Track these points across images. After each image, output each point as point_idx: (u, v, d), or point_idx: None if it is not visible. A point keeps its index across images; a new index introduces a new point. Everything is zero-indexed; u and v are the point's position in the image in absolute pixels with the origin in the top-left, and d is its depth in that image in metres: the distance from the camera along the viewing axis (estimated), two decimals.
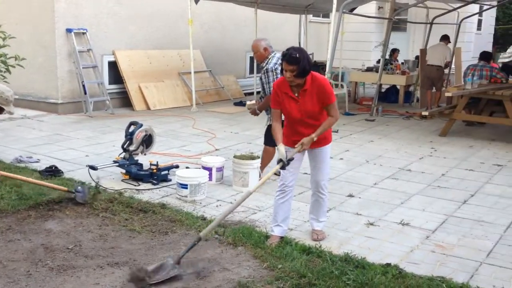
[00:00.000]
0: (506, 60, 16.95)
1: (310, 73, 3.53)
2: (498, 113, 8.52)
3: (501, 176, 5.73)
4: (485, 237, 3.98)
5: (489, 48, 18.53)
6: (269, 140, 5.20)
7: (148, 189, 4.96)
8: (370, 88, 12.99)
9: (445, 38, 10.63)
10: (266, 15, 12.34)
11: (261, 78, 5.04)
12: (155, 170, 5.14)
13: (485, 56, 9.07)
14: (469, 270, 3.41)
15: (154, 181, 5.11)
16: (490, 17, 19.55)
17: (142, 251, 3.57)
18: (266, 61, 4.97)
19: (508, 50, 20.71)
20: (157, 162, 5.27)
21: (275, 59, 4.94)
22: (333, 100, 3.59)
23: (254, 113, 5.18)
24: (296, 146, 3.57)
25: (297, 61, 3.40)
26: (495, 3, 14.19)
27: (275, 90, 3.68)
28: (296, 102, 3.59)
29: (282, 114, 3.74)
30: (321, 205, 3.91)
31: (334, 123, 3.69)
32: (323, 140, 3.71)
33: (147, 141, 5.40)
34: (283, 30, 13.94)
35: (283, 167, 3.58)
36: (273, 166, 3.82)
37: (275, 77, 4.89)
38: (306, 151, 3.77)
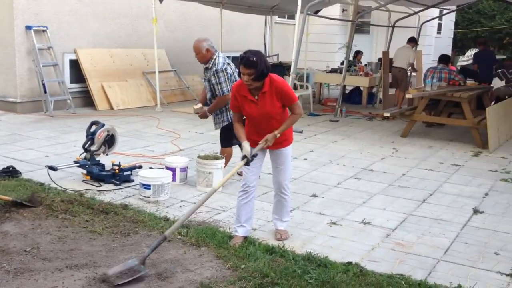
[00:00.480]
0: (465, 63, 17.52)
1: (269, 76, 3.54)
2: (456, 115, 8.78)
3: (458, 176, 5.90)
4: (442, 235, 4.09)
5: (448, 51, 19.07)
6: (225, 141, 5.24)
7: (110, 190, 4.88)
8: (335, 89, 13.16)
9: (411, 41, 10.88)
10: (232, 15, 12.35)
11: (209, 80, 4.99)
12: (117, 171, 5.06)
13: (443, 59, 9.33)
14: (427, 267, 3.50)
15: (116, 182, 5.03)
16: (449, 21, 20.13)
17: (103, 253, 3.51)
18: (211, 62, 4.94)
19: (467, 54, 21.40)
20: (119, 162, 5.19)
21: (221, 59, 4.93)
22: (295, 99, 3.62)
23: (204, 116, 5.18)
24: (260, 142, 3.59)
25: (255, 64, 3.40)
26: (454, 7, 14.62)
27: (233, 94, 3.69)
28: (256, 104, 3.61)
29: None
30: (284, 205, 3.93)
31: (298, 119, 3.73)
32: (284, 141, 3.74)
33: (109, 141, 5.31)
34: (248, 31, 13.97)
35: (247, 163, 3.59)
36: (234, 166, 3.83)
37: (226, 77, 4.90)
38: (268, 152, 3.80)
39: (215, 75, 4.92)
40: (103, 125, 5.29)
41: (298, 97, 3.75)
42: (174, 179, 5.08)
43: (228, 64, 5.01)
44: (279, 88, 3.56)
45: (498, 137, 7.57)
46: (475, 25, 22.86)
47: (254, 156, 3.58)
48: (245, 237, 3.79)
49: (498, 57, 12.58)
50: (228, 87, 4.93)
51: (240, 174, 3.92)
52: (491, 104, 8.88)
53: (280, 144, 3.72)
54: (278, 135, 3.59)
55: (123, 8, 10.42)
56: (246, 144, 3.61)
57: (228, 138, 5.17)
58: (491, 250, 3.80)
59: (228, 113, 5.06)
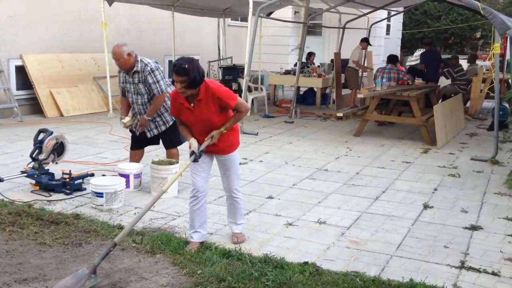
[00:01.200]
0: (413, 63, 18.06)
1: (204, 82, 3.49)
2: (406, 113, 9.05)
3: (409, 173, 6.08)
4: (395, 231, 4.20)
5: (397, 51, 19.62)
6: (175, 142, 5.23)
7: (61, 200, 4.73)
8: (289, 90, 13.28)
9: (362, 41, 11.11)
10: (184, 18, 12.25)
11: (144, 81, 4.87)
12: (68, 179, 4.91)
13: (391, 59, 9.59)
14: (380, 263, 3.58)
15: (67, 191, 4.88)
16: (397, 22, 20.73)
17: (53, 265, 3.39)
18: (138, 65, 4.84)
19: (415, 54, 22.07)
20: (70, 170, 5.04)
21: (149, 59, 4.87)
22: (234, 101, 3.56)
23: (145, 123, 4.98)
24: (206, 139, 3.59)
25: (186, 72, 3.35)
26: (401, 9, 15.07)
27: (172, 102, 3.67)
28: (192, 112, 3.57)
29: None
30: (237, 208, 3.93)
31: (244, 116, 3.76)
32: (228, 147, 3.72)
33: (59, 149, 5.15)
34: (201, 33, 13.90)
35: (195, 160, 3.59)
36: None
37: (161, 75, 4.87)
38: (215, 158, 3.79)
39: (151, 74, 4.83)
40: (52, 132, 5.13)
41: (239, 96, 3.75)
42: (128, 186, 4.98)
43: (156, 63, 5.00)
44: (215, 94, 3.51)
45: (445, 134, 7.85)
46: (422, 26, 23.64)
47: (202, 151, 3.58)
48: (201, 243, 3.76)
49: (443, 56, 13.04)
50: (165, 85, 4.90)
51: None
52: (438, 102, 9.21)
53: (224, 150, 3.71)
54: (224, 131, 3.60)
55: (71, 12, 10.14)
56: (193, 141, 3.62)
57: (177, 136, 5.05)
58: (440, 244, 3.93)
59: (169, 112, 4.95)
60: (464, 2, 7.34)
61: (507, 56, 9.66)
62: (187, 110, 3.59)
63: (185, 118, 3.66)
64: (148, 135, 5.14)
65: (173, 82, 3.51)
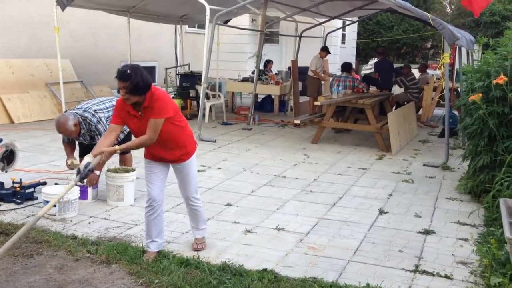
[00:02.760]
0: (368, 71, 18.52)
1: (151, 91, 3.41)
2: (362, 120, 9.25)
3: (365, 179, 6.20)
4: (352, 237, 4.26)
5: (353, 60, 20.07)
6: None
7: (11, 210, 4.55)
8: (247, 98, 13.32)
9: (322, 50, 11.29)
10: (141, 24, 12.10)
11: (89, 135, 4.78)
12: (18, 188, 4.73)
13: (346, 67, 9.79)
14: (338, 269, 3.62)
15: (17, 200, 4.71)
16: (352, 31, 21.22)
17: (3, 277, 3.25)
18: (84, 126, 4.71)
19: (370, 62, 22.64)
20: (20, 179, 4.86)
21: (87, 113, 4.70)
22: (153, 116, 3.39)
23: (94, 179, 4.79)
24: (94, 155, 3.38)
25: (128, 77, 3.29)
26: (356, 19, 15.42)
27: (117, 107, 3.54)
28: (139, 120, 3.47)
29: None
30: (197, 214, 3.88)
31: (144, 143, 3.49)
32: (184, 155, 3.64)
33: (8, 157, 4.95)
34: (158, 40, 13.76)
35: (81, 178, 3.34)
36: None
37: (100, 120, 4.73)
38: (171, 166, 3.71)
39: (96, 130, 4.72)
40: (1, 140, 4.93)
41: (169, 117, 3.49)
42: (86, 197, 4.85)
43: (96, 105, 4.85)
44: (155, 100, 3.41)
45: (399, 140, 8.07)
46: (375, 36, 24.26)
47: (89, 170, 3.31)
48: (158, 252, 3.70)
49: (396, 65, 13.43)
50: (105, 126, 4.77)
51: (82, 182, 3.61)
52: (392, 110, 9.46)
53: (180, 159, 3.64)
54: (118, 151, 3.49)
55: (22, 16, 9.83)
56: (86, 158, 3.38)
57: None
58: (395, 248, 4.02)
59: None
60: (415, 13, 7.59)
61: (456, 66, 10.05)
62: (134, 118, 3.49)
63: (132, 128, 3.56)
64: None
65: (118, 90, 3.42)
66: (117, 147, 3.46)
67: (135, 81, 3.31)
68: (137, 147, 3.55)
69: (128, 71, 3.32)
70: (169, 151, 3.58)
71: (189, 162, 3.69)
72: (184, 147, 3.63)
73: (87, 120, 4.71)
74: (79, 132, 4.72)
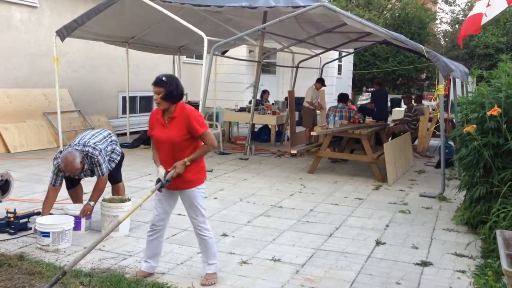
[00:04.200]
0: (364, 102, 18.69)
1: (181, 103, 3.66)
2: (358, 151, 9.27)
3: (362, 209, 6.18)
4: (348, 268, 4.22)
5: (349, 90, 20.25)
6: (117, 175, 5.34)
7: (4, 240, 4.49)
8: (244, 127, 13.38)
9: (317, 81, 11.42)
10: (139, 54, 12.24)
11: (90, 168, 4.86)
12: (12, 218, 4.69)
13: (342, 98, 9.88)
14: None
15: (11, 231, 4.65)
16: (348, 63, 21.49)
17: None
18: (87, 162, 4.79)
19: (365, 93, 22.86)
20: (15, 209, 4.82)
21: (91, 149, 4.79)
22: (202, 130, 3.65)
23: (88, 209, 4.91)
24: (169, 169, 3.61)
25: (164, 84, 3.56)
26: (351, 50, 15.67)
27: (150, 118, 3.78)
28: (165, 128, 3.68)
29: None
30: (206, 247, 3.84)
31: (209, 150, 3.78)
32: (189, 183, 3.70)
33: (3, 187, 4.95)
34: (157, 70, 13.87)
35: (162, 186, 3.61)
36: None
37: (104, 158, 4.85)
38: (178, 194, 3.79)
39: (97, 164, 4.83)
40: None
41: (208, 127, 3.78)
42: (79, 227, 4.81)
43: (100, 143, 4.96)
44: (187, 115, 3.63)
45: (395, 170, 8.07)
46: (371, 67, 24.59)
47: (167, 180, 3.58)
48: (151, 273, 3.80)
49: (392, 96, 13.57)
50: (107, 168, 4.93)
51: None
52: (388, 140, 9.51)
53: (189, 183, 3.70)
54: (188, 163, 3.62)
55: (21, 46, 9.94)
56: (161, 168, 3.65)
57: (119, 172, 5.34)
58: (393, 280, 3.97)
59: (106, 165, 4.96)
60: (409, 46, 7.72)
61: (451, 97, 10.15)
62: (161, 126, 3.69)
63: (156, 134, 3.71)
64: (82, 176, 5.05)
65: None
66: (186, 159, 3.62)
67: (170, 89, 3.57)
68: (205, 154, 3.76)
69: (164, 78, 3.60)
70: (187, 169, 3.64)
71: (197, 189, 3.74)
72: (195, 173, 3.71)
73: (89, 154, 4.77)
74: (83, 168, 4.76)
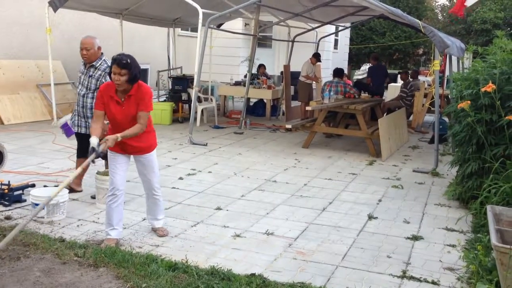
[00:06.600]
0: (360, 77, 18.61)
1: (138, 82, 3.76)
2: (353, 126, 9.28)
3: (355, 184, 6.22)
4: (340, 242, 4.27)
5: (345, 65, 20.16)
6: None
7: None
8: (239, 101, 13.33)
9: (313, 56, 11.35)
10: (133, 26, 12.08)
11: (92, 76, 4.90)
12: (6, 190, 4.70)
13: (338, 73, 9.83)
14: (326, 273, 3.63)
15: (5, 203, 4.67)
16: (345, 37, 21.33)
17: None
18: (99, 62, 4.90)
19: (362, 68, 22.76)
20: (9, 181, 4.82)
21: (108, 63, 4.84)
22: (146, 111, 3.78)
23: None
24: (100, 142, 3.69)
25: (128, 66, 3.62)
26: (348, 24, 15.51)
27: (101, 93, 3.81)
28: (121, 106, 3.77)
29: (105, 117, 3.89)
30: (157, 205, 4.17)
31: (139, 131, 3.81)
32: (148, 148, 3.96)
33: None
34: (151, 42, 13.75)
35: (97, 157, 3.68)
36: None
37: (102, 79, 4.87)
38: (133, 159, 4.00)
39: (104, 74, 4.86)
40: None
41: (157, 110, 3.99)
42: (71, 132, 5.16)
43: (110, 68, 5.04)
44: (143, 92, 3.76)
45: (389, 146, 8.11)
46: (368, 42, 24.41)
47: (101, 153, 3.67)
48: (118, 240, 3.93)
49: (389, 71, 13.54)
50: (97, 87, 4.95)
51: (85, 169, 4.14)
52: (383, 116, 9.51)
53: (144, 150, 3.93)
54: (119, 139, 3.71)
55: (14, 16, 9.79)
56: (93, 139, 3.69)
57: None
58: (384, 254, 4.03)
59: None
60: (407, 20, 7.65)
61: (447, 73, 10.13)
62: (116, 104, 3.77)
63: (112, 112, 3.80)
64: (83, 130, 5.05)
65: (109, 74, 3.70)
66: (119, 134, 3.69)
67: (134, 72, 3.66)
68: (134, 134, 3.79)
69: (129, 60, 3.64)
70: (139, 139, 3.85)
71: (152, 154, 4.00)
72: (149, 140, 3.95)
73: (107, 63, 4.83)
74: (95, 60, 4.82)
